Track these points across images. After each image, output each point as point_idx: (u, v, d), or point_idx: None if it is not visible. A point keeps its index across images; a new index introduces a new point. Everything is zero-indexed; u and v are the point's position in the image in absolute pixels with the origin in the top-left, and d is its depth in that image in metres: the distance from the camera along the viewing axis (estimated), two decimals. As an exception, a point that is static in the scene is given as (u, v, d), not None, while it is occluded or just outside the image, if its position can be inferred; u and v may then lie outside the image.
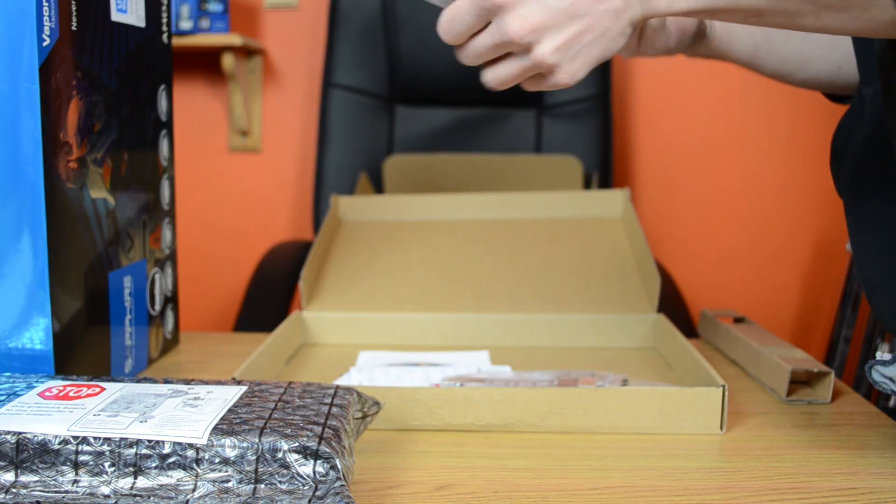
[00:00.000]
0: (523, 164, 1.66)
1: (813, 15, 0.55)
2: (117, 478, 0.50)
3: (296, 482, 0.50)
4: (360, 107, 1.81)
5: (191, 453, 0.50)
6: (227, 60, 1.90)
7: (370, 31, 1.79)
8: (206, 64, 2.03)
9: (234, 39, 1.83)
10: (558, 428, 0.70)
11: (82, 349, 0.74)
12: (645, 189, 2.03)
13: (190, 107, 2.05)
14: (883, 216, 0.69)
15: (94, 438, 0.51)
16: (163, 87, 0.88)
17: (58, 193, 0.69)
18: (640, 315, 0.97)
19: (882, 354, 0.69)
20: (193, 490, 0.50)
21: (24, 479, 0.50)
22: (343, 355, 0.94)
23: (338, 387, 0.61)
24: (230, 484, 0.50)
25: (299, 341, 0.97)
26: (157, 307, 0.89)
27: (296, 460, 0.50)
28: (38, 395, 0.57)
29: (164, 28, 0.88)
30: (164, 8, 0.87)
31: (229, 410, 0.54)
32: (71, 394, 0.57)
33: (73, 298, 0.72)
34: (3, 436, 0.51)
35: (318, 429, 0.52)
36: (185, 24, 1.86)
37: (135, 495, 0.49)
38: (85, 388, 0.58)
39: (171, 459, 0.50)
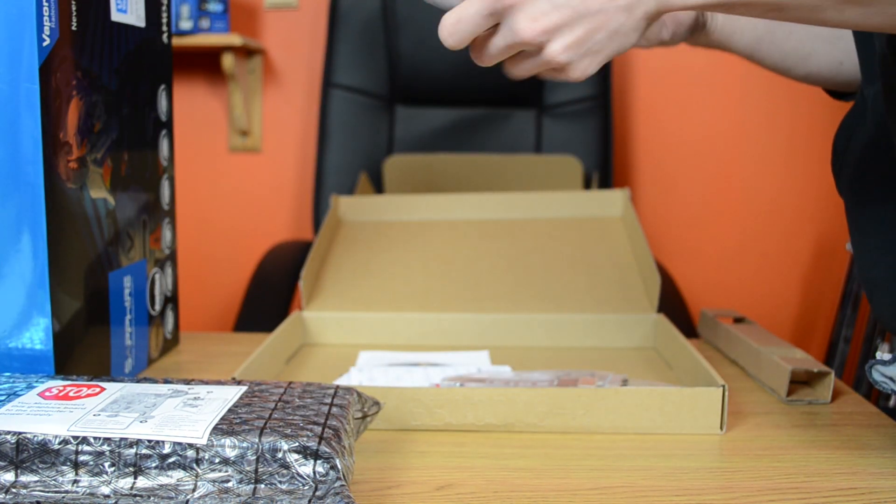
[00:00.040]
0: (523, 164, 1.66)
1: (835, 9, 0.54)
2: (117, 478, 0.50)
3: (296, 482, 0.50)
4: (360, 107, 1.81)
5: (191, 453, 0.50)
6: (227, 60, 1.90)
7: (370, 31, 1.79)
8: (206, 64, 2.03)
9: (234, 39, 1.84)
10: (558, 428, 0.70)
11: (82, 349, 0.74)
12: (645, 189, 2.03)
13: (190, 107, 2.05)
14: (884, 216, 0.69)
15: (94, 438, 0.51)
16: (163, 87, 0.88)
17: (58, 193, 0.69)
18: (640, 315, 0.97)
19: (882, 354, 0.69)
20: (193, 490, 0.50)
21: (24, 479, 0.50)
22: (343, 355, 0.94)
23: (338, 387, 0.61)
24: (230, 484, 0.50)
25: (299, 341, 0.97)
26: (157, 307, 0.89)
27: (296, 460, 0.50)
28: (38, 395, 0.57)
29: (164, 28, 0.88)
30: (164, 8, 0.87)
31: (229, 410, 0.54)
32: (71, 394, 0.57)
33: (73, 298, 0.72)
34: (3, 436, 0.51)
35: (318, 429, 0.52)
36: (185, 24, 1.86)
37: (135, 495, 0.49)
38: (85, 388, 0.58)
39: (171, 459, 0.50)
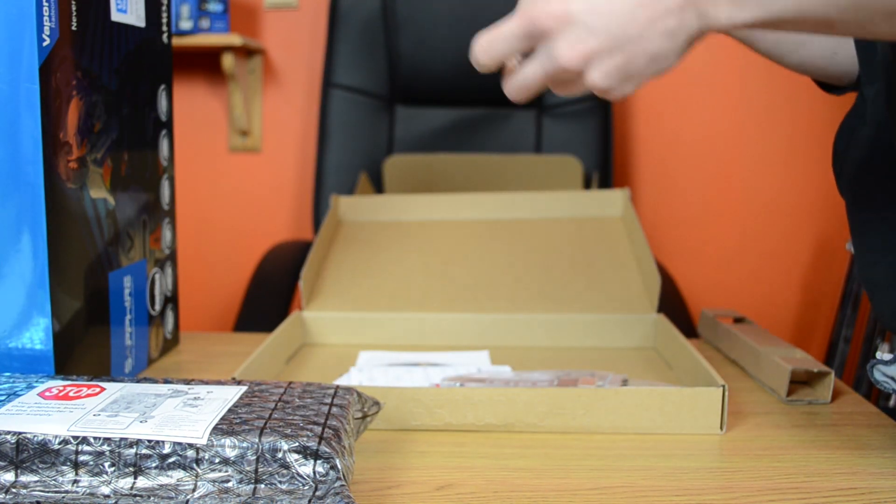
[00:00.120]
0: (523, 164, 1.66)
1: (887, 23, 0.52)
2: (117, 478, 0.50)
3: (296, 482, 0.50)
4: (360, 107, 1.81)
5: (191, 453, 0.50)
6: (227, 60, 1.90)
7: (370, 31, 1.79)
8: (206, 64, 2.03)
9: (234, 39, 1.83)
10: (558, 428, 0.70)
11: (82, 349, 0.74)
12: (645, 189, 2.03)
13: (190, 107, 2.05)
14: (885, 216, 0.69)
15: (94, 438, 0.51)
16: (163, 87, 0.88)
17: (58, 193, 0.69)
18: (640, 315, 0.97)
19: (882, 354, 0.69)
20: (193, 490, 0.50)
21: (24, 479, 0.50)
22: (343, 355, 0.94)
23: (338, 387, 0.61)
24: (230, 484, 0.50)
25: (299, 341, 0.97)
26: (157, 307, 0.89)
27: (296, 460, 0.50)
28: (38, 395, 0.57)
29: (164, 28, 0.88)
30: (164, 8, 0.87)
31: (229, 410, 0.54)
32: (71, 394, 0.57)
33: (73, 298, 0.72)
34: (3, 436, 0.51)
35: (318, 429, 0.52)
36: (185, 24, 1.86)
37: (135, 495, 0.49)
38: (85, 388, 0.58)
39: (171, 459, 0.50)
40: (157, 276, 0.88)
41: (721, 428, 0.70)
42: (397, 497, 0.58)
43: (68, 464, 0.50)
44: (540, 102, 1.79)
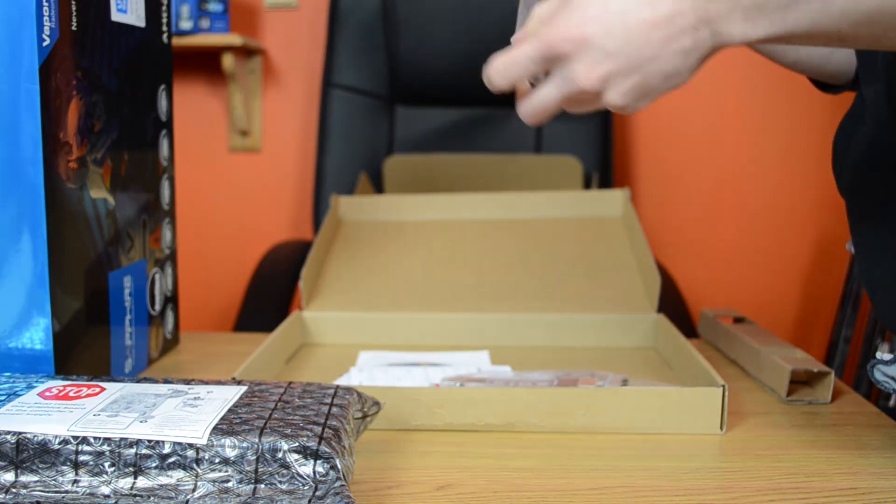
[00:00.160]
0: (523, 164, 1.66)
1: None
2: (117, 478, 0.50)
3: (296, 482, 0.50)
4: (360, 107, 1.81)
5: (191, 453, 0.50)
6: (227, 60, 1.90)
7: (370, 31, 1.79)
8: (206, 64, 2.03)
9: (234, 39, 1.84)
10: (558, 428, 0.70)
11: (82, 349, 0.74)
12: (645, 189, 2.03)
13: (190, 107, 2.05)
14: (885, 216, 0.69)
15: (94, 438, 0.51)
16: (163, 87, 0.88)
17: (58, 193, 0.69)
18: (640, 315, 0.97)
19: (883, 354, 0.69)
20: (193, 490, 0.50)
21: (24, 479, 0.50)
22: (343, 355, 0.94)
23: (338, 387, 0.61)
24: (230, 484, 0.50)
25: (299, 341, 0.97)
26: (157, 307, 0.89)
27: (296, 460, 0.50)
28: (38, 395, 0.57)
29: (164, 28, 0.88)
30: (164, 8, 0.87)
31: (229, 410, 0.54)
32: (71, 394, 0.57)
33: (73, 298, 0.72)
34: (3, 436, 0.51)
35: (318, 429, 0.52)
36: (185, 24, 1.86)
37: (135, 495, 0.49)
38: (85, 388, 0.58)
39: (171, 459, 0.50)
40: (157, 276, 0.88)
41: (721, 428, 0.70)
42: (397, 497, 0.58)
43: (68, 464, 0.50)
44: (540, 102, 1.79)
